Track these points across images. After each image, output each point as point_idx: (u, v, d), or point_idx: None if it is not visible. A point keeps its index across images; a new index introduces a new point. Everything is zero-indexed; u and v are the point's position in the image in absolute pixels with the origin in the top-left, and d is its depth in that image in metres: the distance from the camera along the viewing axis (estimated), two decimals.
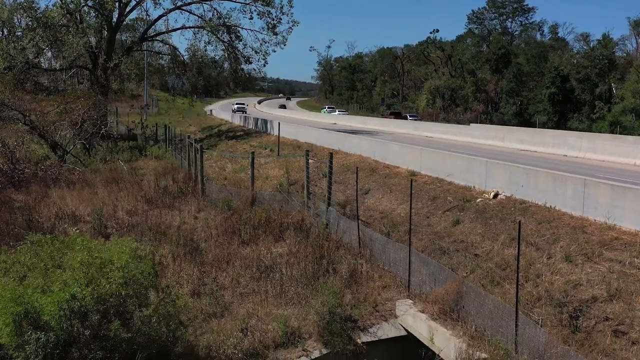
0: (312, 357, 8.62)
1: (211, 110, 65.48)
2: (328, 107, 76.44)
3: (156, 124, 35.96)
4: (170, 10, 34.16)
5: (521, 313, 7.16)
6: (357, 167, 11.87)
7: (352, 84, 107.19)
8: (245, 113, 52.41)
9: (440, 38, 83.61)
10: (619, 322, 7.19)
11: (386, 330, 9.05)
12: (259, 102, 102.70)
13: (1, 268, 8.15)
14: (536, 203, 11.17)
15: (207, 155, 23.01)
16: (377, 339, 8.93)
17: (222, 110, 60.61)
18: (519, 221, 7.24)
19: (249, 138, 31.06)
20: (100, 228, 13.58)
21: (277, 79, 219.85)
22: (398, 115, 60.08)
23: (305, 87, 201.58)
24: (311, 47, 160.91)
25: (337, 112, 67.06)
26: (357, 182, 11.14)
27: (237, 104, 67.15)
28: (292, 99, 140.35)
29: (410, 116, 59.38)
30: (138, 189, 17.30)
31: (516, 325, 6.93)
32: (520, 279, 7.89)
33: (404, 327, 9.00)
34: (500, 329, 7.31)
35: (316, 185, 16.60)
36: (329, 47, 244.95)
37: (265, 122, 33.96)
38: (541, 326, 7.00)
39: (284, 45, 34.83)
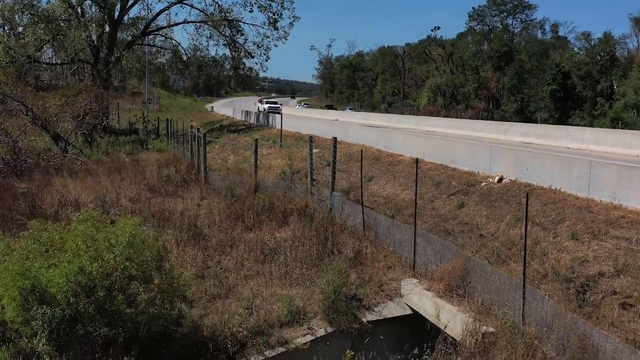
0: (318, 336, 8.59)
1: (212, 107, 65.55)
2: (304, 104, 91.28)
3: (157, 118, 35.96)
4: (173, 4, 34.19)
5: (529, 286, 7.13)
6: (361, 150, 11.86)
7: (353, 82, 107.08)
8: (280, 113, 41.00)
9: (441, 36, 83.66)
10: (627, 295, 7.16)
11: (391, 309, 9.03)
12: (260, 101, 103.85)
13: (4, 253, 8.12)
14: (541, 186, 11.14)
15: (210, 148, 22.99)
16: (382, 317, 8.90)
17: (223, 107, 60.62)
18: (527, 193, 7.22)
19: (250, 132, 31.06)
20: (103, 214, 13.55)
21: (277, 79, 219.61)
22: (331, 107, 74.06)
23: (306, 87, 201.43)
24: (312, 46, 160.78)
25: (303, 105, 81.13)
26: (361, 164, 11.13)
27: (267, 102, 52.39)
28: (295, 97, 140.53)
29: (349, 108, 71.54)
30: (141, 178, 17.29)
31: (523, 298, 6.90)
32: (527, 257, 7.85)
33: (409, 306, 8.97)
34: (507, 303, 7.28)
35: (319, 174, 16.59)
36: (329, 46, 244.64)
37: (267, 116, 33.95)
38: (549, 299, 6.97)
39: (285, 40, 34.91)
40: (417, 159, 9.81)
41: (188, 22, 35.35)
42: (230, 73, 43.04)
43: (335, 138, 13.29)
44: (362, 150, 12.08)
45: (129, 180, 17.07)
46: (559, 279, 7.84)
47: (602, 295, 7.35)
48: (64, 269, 6.92)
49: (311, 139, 14.41)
